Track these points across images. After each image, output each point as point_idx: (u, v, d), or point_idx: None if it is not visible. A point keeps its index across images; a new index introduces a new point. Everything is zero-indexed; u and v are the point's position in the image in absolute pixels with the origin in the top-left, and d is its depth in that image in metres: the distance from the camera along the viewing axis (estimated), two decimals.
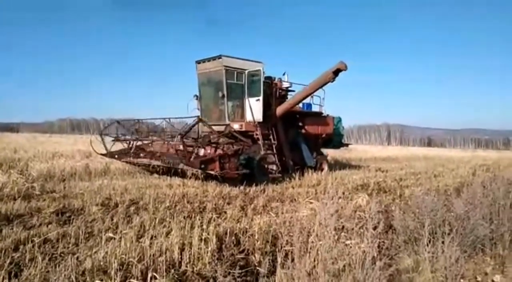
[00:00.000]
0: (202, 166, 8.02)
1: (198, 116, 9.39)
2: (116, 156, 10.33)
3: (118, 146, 10.57)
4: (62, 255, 3.74)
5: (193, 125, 8.59)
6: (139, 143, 10.37)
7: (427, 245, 3.73)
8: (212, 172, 8.21)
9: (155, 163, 9.20)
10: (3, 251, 3.68)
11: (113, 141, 10.57)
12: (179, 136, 8.00)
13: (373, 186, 9.35)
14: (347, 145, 16.29)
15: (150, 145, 10.32)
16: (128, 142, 10.52)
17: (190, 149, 8.62)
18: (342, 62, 9.79)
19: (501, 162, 16.97)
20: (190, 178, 8.85)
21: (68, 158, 13.13)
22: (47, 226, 4.80)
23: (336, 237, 3.14)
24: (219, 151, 8.65)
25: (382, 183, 10.06)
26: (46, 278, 3.13)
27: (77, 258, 3.53)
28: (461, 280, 3.55)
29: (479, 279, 3.72)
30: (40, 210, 5.70)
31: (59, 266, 3.25)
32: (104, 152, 10.42)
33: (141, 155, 9.73)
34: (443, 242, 3.70)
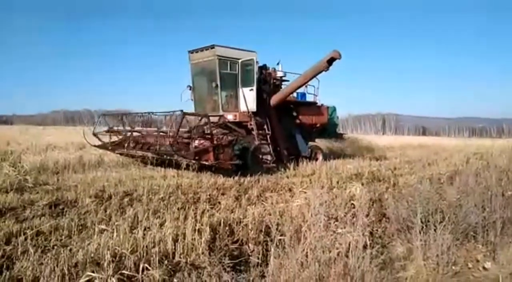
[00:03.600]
0: (196, 157, 8.00)
1: (206, 114, 9.09)
2: (110, 148, 10.27)
3: (112, 138, 10.48)
4: (55, 247, 3.73)
5: (198, 115, 8.50)
6: (134, 134, 10.29)
7: (420, 233, 3.76)
8: (206, 163, 8.19)
9: (149, 154, 9.16)
10: None
11: (106, 131, 10.48)
12: (181, 112, 7.91)
13: (367, 175, 9.37)
14: (341, 134, 16.28)
15: (144, 136, 10.26)
16: (122, 133, 10.44)
17: (185, 140, 8.57)
18: (336, 51, 9.71)
19: (494, 150, 17.08)
20: (185, 169, 8.83)
21: (61, 150, 13.06)
22: (40, 219, 4.78)
23: (326, 226, 3.15)
24: (214, 142, 8.62)
25: (376, 172, 10.08)
26: (39, 270, 3.11)
27: (70, 250, 3.52)
28: (453, 267, 3.59)
29: (470, 266, 3.76)
30: (33, 202, 5.67)
31: (51, 258, 3.23)
32: (98, 143, 10.35)
33: (136, 146, 9.67)
34: (435, 230, 3.73)
